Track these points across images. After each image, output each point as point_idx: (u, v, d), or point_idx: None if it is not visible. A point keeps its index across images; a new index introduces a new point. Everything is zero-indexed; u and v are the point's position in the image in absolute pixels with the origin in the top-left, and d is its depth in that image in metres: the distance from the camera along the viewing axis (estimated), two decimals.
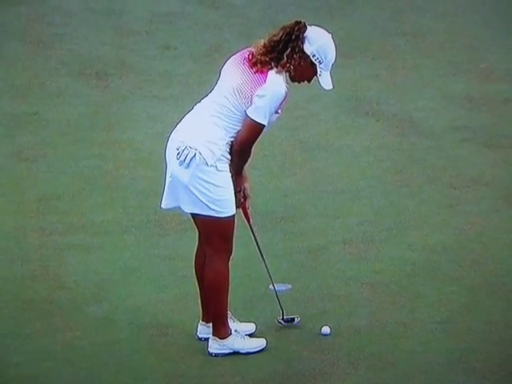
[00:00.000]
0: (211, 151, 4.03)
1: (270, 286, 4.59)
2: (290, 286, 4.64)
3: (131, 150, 6.03)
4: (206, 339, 4.26)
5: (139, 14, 7.77)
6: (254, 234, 4.24)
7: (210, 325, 4.24)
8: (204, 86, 6.82)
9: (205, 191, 4.03)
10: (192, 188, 4.03)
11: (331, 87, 4.03)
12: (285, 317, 4.28)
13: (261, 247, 4.25)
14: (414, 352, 4.22)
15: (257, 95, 3.98)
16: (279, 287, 4.55)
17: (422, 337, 4.31)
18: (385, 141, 6.13)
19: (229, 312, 4.24)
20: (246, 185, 4.16)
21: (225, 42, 7.42)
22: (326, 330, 4.33)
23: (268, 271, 4.28)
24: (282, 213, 5.19)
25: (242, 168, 4.10)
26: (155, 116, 6.45)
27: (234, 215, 4.08)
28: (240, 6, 7.92)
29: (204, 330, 4.26)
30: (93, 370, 4.14)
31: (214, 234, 4.07)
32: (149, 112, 6.49)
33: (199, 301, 4.27)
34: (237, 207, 4.15)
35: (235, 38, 7.47)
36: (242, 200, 4.16)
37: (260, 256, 4.26)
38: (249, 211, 4.21)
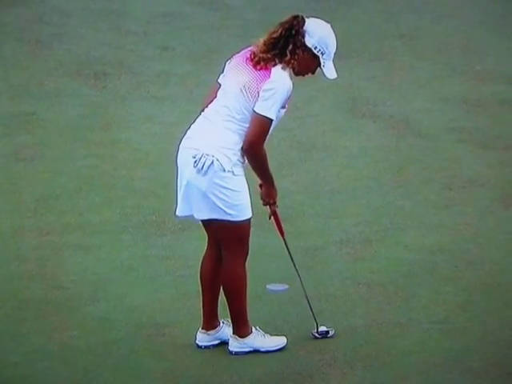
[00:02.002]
0: (227, 157, 4.01)
1: (268, 286, 4.61)
2: (286, 286, 4.65)
3: (129, 150, 6.03)
4: (207, 347, 4.24)
5: (137, 14, 7.78)
6: (288, 249, 4.22)
7: (211, 332, 4.23)
8: (202, 86, 6.84)
9: (222, 197, 4.01)
10: (210, 194, 4.01)
11: (335, 76, 4.02)
12: (319, 330, 4.28)
13: (295, 263, 4.25)
14: (410, 352, 4.23)
15: (263, 90, 3.96)
16: (276, 287, 4.56)
17: (418, 337, 4.32)
18: (381, 142, 6.15)
19: (227, 319, 4.23)
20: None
21: (223, 43, 7.43)
22: (322, 328, 4.35)
23: (303, 287, 4.27)
24: (279, 213, 5.20)
25: (266, 173, 4.03)
26: (153, 116, 6.46)
27: (250, 218, 4.08)
28: (238, 7, 7.93)
29: (204, 338, 4.25)
30: (90, 370, 4.14)
31: (231, 238, 4.06)
32: (146, 112, 6.50)
33: (201, 308, 4.24)
34: (269, 218, 4.15)
35: (233, 39, 7.49)
36: (275, 211, 4.13)
37: (295, 271, 4.25)
38: (282, 223, 4.18)
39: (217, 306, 4.22)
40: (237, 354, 4.20)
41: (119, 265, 4.88)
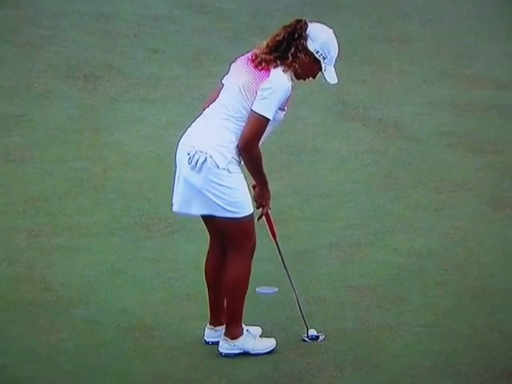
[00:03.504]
0: (222, 154, 4.02)
1: (257, 289, 4.61)
2: (276, 289, 4.66)
3: (119, 153, 6.03)
4: (214, 343, 4.25)
5: (128, 17, 7.79)
6: (279, 251, 4.23)
7: (218, 328, 4.24)
8: (192, 89, 6.86)
9: (219, 194, 4.02)
10: (205, 192, 4.03)
11: (336, 81, 4.05)
12: (309, 333, 4.29)
13: (287, 265, 4.27)
14: (399, 355, 4.24)
15: (261, 89, 3.98)
16: (266, 290, 4.57)
17: (407, 340, 4.33)
18: (371, 145, 6.17)
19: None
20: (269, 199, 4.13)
21: (213, 47, 7.45)
22: (312, 332, 4.35)
23: (294, 290, 4.28)
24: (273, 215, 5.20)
25: (260, 173, 4.05)
26: (143, 119, 6.46)
27: (252, 213, 4.07)
28: (228, 10, 7.95)
29: (212, 333, 4.26)
30: (78, 373, 4.13)
31: (235, 233, 4.06)
32: (136, 115, 6.50)
33: (208, 304, 4.24)
34: (258, 219, 4.15)
35: (223, 42, 7.51)
36: (267, 213, 4.14)
37: (286, 274, 4.27)
38: (275, 225, 4.18)
39: (223, 303, 4.21)
40: (227, 355, 4.19)
41: (108, 267, 4.87)
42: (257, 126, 4.00)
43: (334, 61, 4.06)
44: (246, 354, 4.19)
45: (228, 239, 4.10)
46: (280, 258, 4.30)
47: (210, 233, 4.20)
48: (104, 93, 6.71)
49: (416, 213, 5.41)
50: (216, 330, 4.26)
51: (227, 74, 4.13)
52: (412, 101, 6.70)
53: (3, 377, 4.12)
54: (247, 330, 4.22)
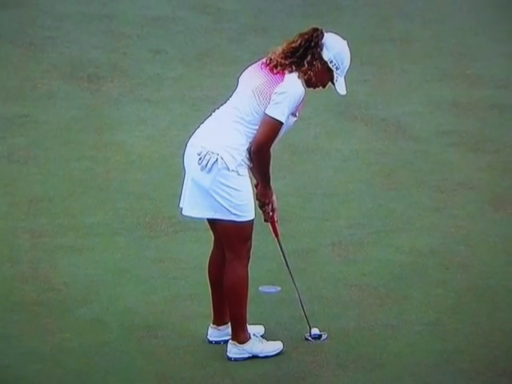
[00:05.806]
0: (232, 156, 4.04)
1: (260, 288, 4.63)
2: (279, 288, 4.67)
3: (122, 153, 6.05)
4: (218, 342, 4.27)
5: (131, 18, 7.81)
6: (282, 250, 4.25)
7: (221, 328, 4.26)
8: (195, 89, 6.88)
9: (226, 196, 4.03)
10: (213, 193, 4.04)
11: (345, 92, 4.10)
12: (312, 332, 4.30)
13: (289, 264, 4.28)
14: (401, 353, 4.25)
15: (275, 93, 4.01)
16: (268, 289, 4.59)
17: (409, 338, 4.35)
18: (373, 145, 6.19)
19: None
20: (274, 197, 4.17)
21: (215, 47, 7.47)
22: (314, 331, 4.37)
23: (297, 289, 4.29)
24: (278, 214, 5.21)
25: (266, 174, 4.07)
26: (146, 119, 6.48)
27: (253, 219, 4.10)
28: (231, 11, 7.97)
29: (215, 333, 4.28)
30: (82, 372, 4.14)
31: (234, 238, 4.07)
32: (140, 115, 6.52)
33: (211, 304, 4.27)
34: (265, 221, 4.18)
35: (226, 42, 7.53)
36: (271, 213, 4.16)
37: (289, 273, 4.28)
38: (277, 224, 4.21)
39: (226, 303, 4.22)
40: (236, 360, 4.20)
41: (112, 267, 4.88)
42: (270, 129, 4.02)
43: (345, 72, 4.09)
44: (254, 357, 4.19)
45: (227, 244, 4.11)
46: (283, 257, 4.31)
47: (214, 233, 4.21)
48: (107, 93, 6.73)
49: (418, 212, 5.42)
50: (219, 330, 4.27)
51: (237, 82, 4.13)
52: (413, 100, 6.71)
53: (7, 376, 4.13)
54: (254, 334, 4.22)
